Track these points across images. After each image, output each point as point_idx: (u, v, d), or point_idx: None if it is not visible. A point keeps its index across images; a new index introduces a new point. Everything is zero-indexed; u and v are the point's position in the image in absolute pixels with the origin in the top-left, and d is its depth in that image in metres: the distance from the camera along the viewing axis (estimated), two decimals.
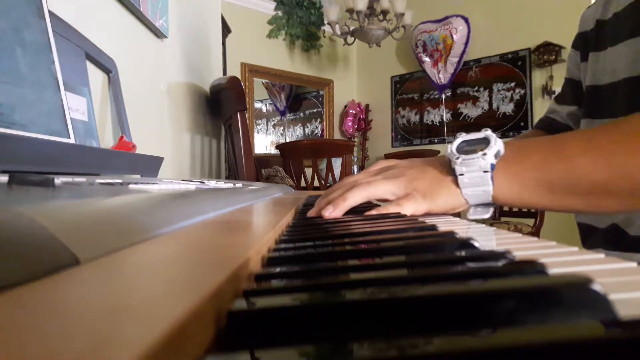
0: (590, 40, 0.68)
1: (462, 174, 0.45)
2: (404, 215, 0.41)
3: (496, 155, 0.44)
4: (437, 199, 0.46)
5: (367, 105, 4.29)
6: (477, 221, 0.43)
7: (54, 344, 0.08)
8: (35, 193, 0.24)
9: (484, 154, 0.44)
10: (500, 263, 0.17)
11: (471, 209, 0.46)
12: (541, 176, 0.43)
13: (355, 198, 0.45)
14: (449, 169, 0.47)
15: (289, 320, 0.12)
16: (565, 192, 0.43)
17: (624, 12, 0.61)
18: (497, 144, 0.44)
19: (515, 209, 2.58)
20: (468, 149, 0.45)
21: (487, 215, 0.46)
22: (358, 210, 0.47)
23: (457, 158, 0.45)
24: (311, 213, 0.45)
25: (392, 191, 0.47)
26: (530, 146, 0.46)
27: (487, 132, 0.46)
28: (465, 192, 0.45)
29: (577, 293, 0.12)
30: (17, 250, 0.12)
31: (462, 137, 0.47)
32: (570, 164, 0.42)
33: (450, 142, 0.47)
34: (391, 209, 0.44)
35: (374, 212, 0.44)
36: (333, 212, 0.43)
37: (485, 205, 0.46)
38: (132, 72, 1.09)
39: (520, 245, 0.27)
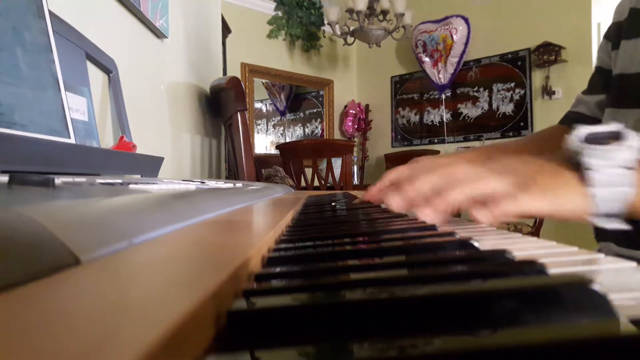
0: (624, 29, 0.66)
1: (594, 169, 0.35)
2: (405, 215, 0.40)
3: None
4: (561, 197, 0.36)
5: (367, 106, 4.29)
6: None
7: (55, 344, 0.08)
8: (35, 193, 0.24)
9: (629, 145, 0.34)
10: (500, 263, 0.17)
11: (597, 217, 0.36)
12: None
13: (459, 197, 0.36)
14: (569, 164, 0.37)
15: (289, 320, 0.12)
16: None
17: None
18: (637, 137, 0.35)
19: None
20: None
21: (625, 226, 0.36)
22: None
23: (589, 149, 0.35)
24: (391, 204, 0.38)
25: (503, 187, 0.36)
26: None
27: (619, 125, 0.36)
28: (596, 193, 0.35)
29: (577, 293, 0.12)
30: (17, 250, 0.12)
31: (586, 128, 0.37)
32: None
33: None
34: (497, 209, 0.35)
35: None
36: (433, 218, 0.35)
37: (613, 216, 0.36)
38: (132, 72, 1.09)
39: (520, 245, 0.27)
